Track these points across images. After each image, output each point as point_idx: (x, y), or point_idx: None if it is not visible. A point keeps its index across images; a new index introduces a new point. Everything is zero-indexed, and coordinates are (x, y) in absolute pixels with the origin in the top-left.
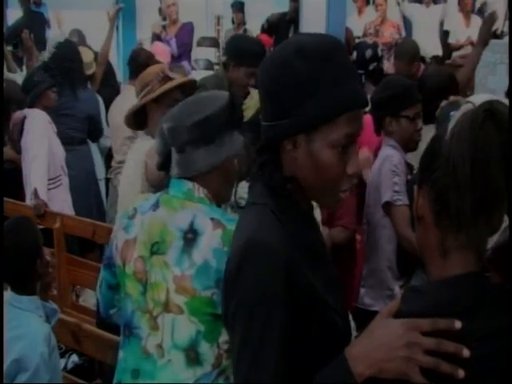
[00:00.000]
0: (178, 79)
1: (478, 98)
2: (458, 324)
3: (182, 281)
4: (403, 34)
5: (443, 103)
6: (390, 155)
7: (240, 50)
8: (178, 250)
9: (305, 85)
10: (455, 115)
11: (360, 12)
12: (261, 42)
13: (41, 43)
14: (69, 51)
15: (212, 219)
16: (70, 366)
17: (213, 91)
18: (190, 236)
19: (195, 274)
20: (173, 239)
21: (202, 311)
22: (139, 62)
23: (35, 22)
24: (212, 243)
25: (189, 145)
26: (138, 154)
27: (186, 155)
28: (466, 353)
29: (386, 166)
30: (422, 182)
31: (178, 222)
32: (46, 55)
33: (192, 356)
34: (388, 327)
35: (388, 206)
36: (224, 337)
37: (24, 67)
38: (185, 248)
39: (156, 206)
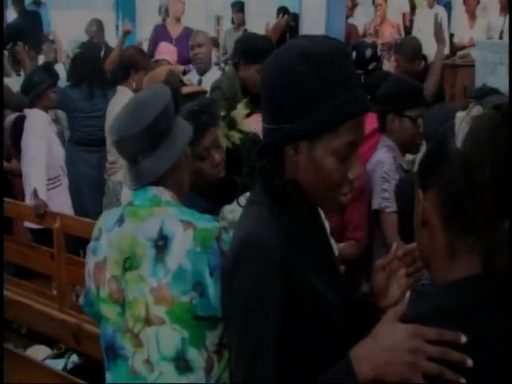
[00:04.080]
0: (193, 87)
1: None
2: (463, 338)
3: (160, 291)
4: (403, 34)
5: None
6: (382, 160)
7: (249, 48)
8: (152, 261)
9: (308, 91)
10: (461, 117)
11: (348, 16)
12: (269, 38)
13: (37, 43)
14: (94, 51)
15: (182, 221)
16: (69, 366)
17: (152, 89)
18: (161, 243)
19: (172, 281)
20: (144, 250)
21: (184, 317)
22: (124, 62)
23: (30, 22)
24: (184, 246)
25: (139, 154)
26: None
27: (140, 165)
28: (469, 362)
29: (377, 172)
30: (426, 186)
31: (147, 231)
32: (67, 55)
33: (182, 365)
34: (393, 331)
35: (377, 213)
36: (210, 339)
37: (22, 72)
38: (158, 256)
39: (121, 220)
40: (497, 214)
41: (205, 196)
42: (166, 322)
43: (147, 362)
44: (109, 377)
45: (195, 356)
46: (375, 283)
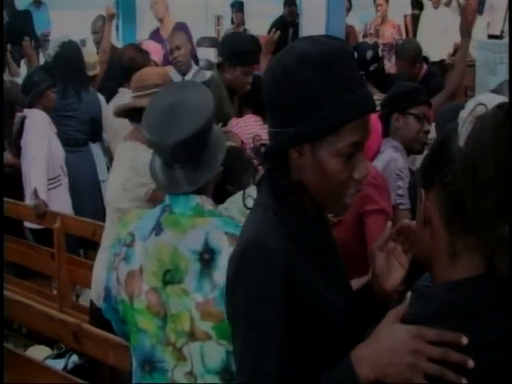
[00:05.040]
0: None
1: (488, 99)
2: (464, 339)
3: (207, 306)
4: (403, 34)
5: (447, 105)
6: (395, 158)
7: (234, 50)
8: (197, 275)
9: (309, 94)
10: (464, 117)
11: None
12: (255, 38)
13: (35, 42)
14: (73, 52)
15: (226, 233)
16: (70, 365)
17: (198, 94)
18: (207, 256)
19: (219, 296)
20: (188, 264)
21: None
22: (124, 65)
23: (24, 21)
24: None
25: (177, 163)
26: (126, 160)
27: (177, 172)
28: (470, 363)
29: (390, 169)
30: (429, 185)
31: (190, 243)
32: (49, 54)
33: (226, 376)
34: (394, 332)
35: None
36: None
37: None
38: (203, 271)
39: (159, 228)
40: (499, 214)
41: None
42: (213, 338)
43: (190, 374)
44: None
45: None
46: (376, 264)
